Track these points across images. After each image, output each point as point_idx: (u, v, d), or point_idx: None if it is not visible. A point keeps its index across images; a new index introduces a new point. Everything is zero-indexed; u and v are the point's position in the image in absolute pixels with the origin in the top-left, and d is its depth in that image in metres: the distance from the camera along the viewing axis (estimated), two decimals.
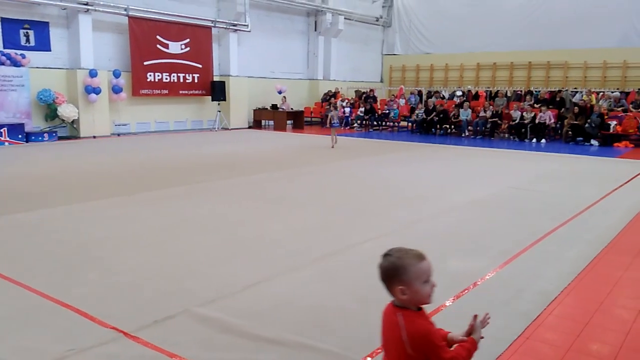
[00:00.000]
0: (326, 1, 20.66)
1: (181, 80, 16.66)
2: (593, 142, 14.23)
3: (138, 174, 9.04)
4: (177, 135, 15.72)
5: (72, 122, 14.22)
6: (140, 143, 13.67)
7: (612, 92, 16.28)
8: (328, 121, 14.18)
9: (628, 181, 8.68)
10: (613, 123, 14.28)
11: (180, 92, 16.75)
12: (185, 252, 4.79)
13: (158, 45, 15.94)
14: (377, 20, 23.46)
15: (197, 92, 17.18)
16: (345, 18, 21.36)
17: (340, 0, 21.21)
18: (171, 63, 16.32)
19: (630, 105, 15.33)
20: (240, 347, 3.03)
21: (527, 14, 19.87)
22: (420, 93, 20.10)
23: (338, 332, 3.23)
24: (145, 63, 15.67)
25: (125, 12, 14.90)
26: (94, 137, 14.51)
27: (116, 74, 14.79)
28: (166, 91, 16.33)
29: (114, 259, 4.56)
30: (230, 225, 5.75)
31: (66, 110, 13.78)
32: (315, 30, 21.06)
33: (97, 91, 14.23)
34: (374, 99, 19.89)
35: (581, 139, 14.52)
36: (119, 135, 15.25)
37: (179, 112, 17.07)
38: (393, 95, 20.84)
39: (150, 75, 15.83)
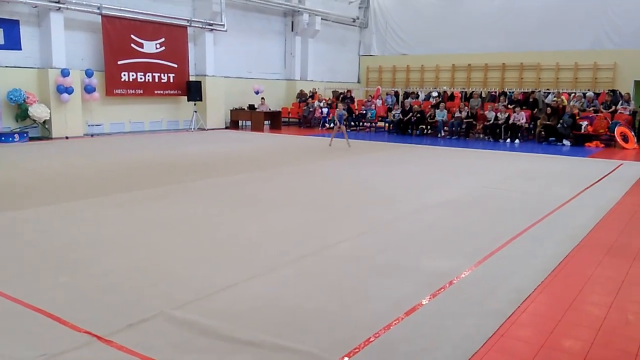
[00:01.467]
0: (303, 2, 20.66)
1: (156, 80, 16.44)
2: (565, 142, 14.54)
3: (112, 175, 8.89)
4: (153, 136, 15.51)
5: (44, 122, 13.91)
6: (115, 144, 13.46)
7: (586, 93, 16.64)
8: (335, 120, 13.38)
9: (599, 180, 8.89)
10: (584, 123, 14.61)
11: (156, 92, 16.53)
12: (160, 254, 4.73)
13: (132, 45, 15.71)
14: (353, 21, 23.56)
15: (172, 92, 16.98)
16: (322, 19, 21.39)
17: (317, 0, 21.24)
18: (146, 62, 16.09)
19: (601, 106, 15.70)
20: (217, 349, 3.00)
21: (501, 17, 20.21)
22: (397, 94, 20.24)
23: (316, 332, 3.23)
24: (119, 62, 15.43)
25: (98, 11, 14.64)
26: (67, 137, 14.22)
27: (89, 74, 14.52)
28: (141, 91, 16.10)
29: (86, 262, 4.47)
30: (207, 227, 5.70)
31: (37, 111, 13.47)
32: (292, 30, 21.04)
33: (69, 91, 13.95)
34: (352, 99, 19.97)
35: (554, 139, 14.82)
36: (92, 135, 14.97)
37: (154, 112, 16.85)
38: (370, 95, 20.95)
39: (124, 75, 15.59)
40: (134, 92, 15.93)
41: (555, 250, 4.96)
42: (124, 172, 9.21)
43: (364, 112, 18.80)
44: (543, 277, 4.24)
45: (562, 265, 4.56)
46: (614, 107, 15.45)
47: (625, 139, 13.97)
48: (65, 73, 13.82)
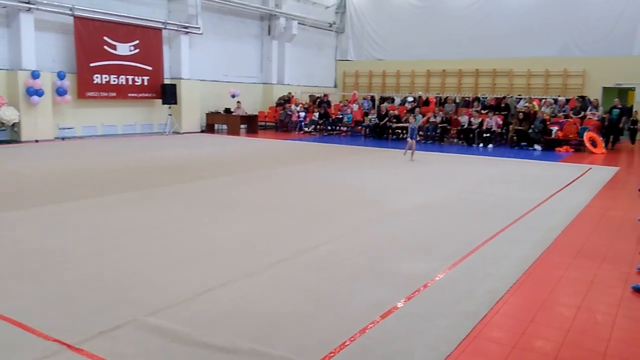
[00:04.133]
0: (280, 6, 20.67)
1: (130, 82, 16.22)
2: (536, 146, 14.84)
3: (82, 179, 8.72)
4: (126, 139, 15.29)
5: (13, 125, 13.56)
6: (86, 147, 13.22)
7: (558, 99, 17.04)
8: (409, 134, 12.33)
9: (569, 184, 9.10)
10: (555, 129, 14.95)
11: (129, 94, 16.30)
12: (133, 259, 4.66)
13: (105, 47, 15.48)
14: (330, 26, 23.66)
15: (147, 95, 16.77)
16: (298, 23, 21.43)
17: (294, 5, 21.28)
18: (119, 65, 15.87)
19: (571, 112, 16.09)
20: (191, 356, 2.97)
21: (474, 24, 20.56)
22: (373, 98, 20.38)
23: (291, 337, 3.22)
24: (92, 65, 15.17)
25: (70, 12, 14.38)
26: (36, 141, 13.90)
27: (60, 76, 14.24)
28: (114, 94, 15.86)
29: (56, 268, 4.37)
30: (181, 232, 5.63)
31: (6, 113, 13.14)
32: (269, 34, 21.03)
33: (39, 93, 13.64)
34: (328, 103, 20.03)
35: (525, 143, 15.12)
36: (63, 139, 14.67)
37: (127, 115, 16.60)
38: (346, 100, 21.05)
39: (97, 77, 15.33)
40: (107, 94, 15.68)
41: (527, 253, 5.05)
42: (95, 176, 9.04)
43: (341, 116, 18.88)
44: (515, 279, 4.32)
45: (533, 268, 4.65)
46: (583, 113, 15.85)
47: (593, 144, 14.34)
48: (35, 75, 13.52)
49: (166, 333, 3.21)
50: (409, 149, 12.14)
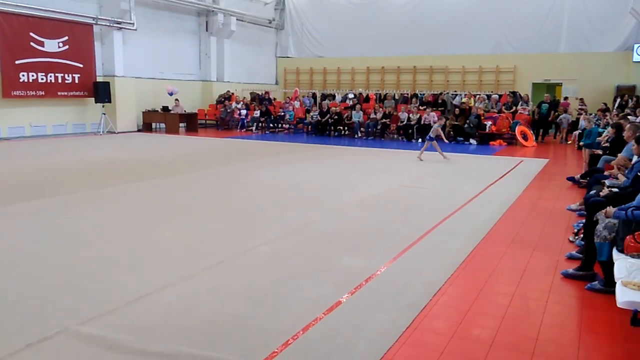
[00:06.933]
0: (217, 1, 20.30)
1: (60, 80, 15.44)
2: (472, 141, 15.37)
3: (8, 183, 8.21)
4: (56, 140, 14.55)
5: None
6: (12, 149, 12.46)
7: (491, 95, 17.71)
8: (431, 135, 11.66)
9: (502, 176, 9.48)
10: (488, 123, 15.54)
11: (59, 93, 15.52)
12: (64, 267, 4.42)
13: (32, 43, 14.66)
14: (270, 23, 23.49)
15: (78, 93, 16.02)
16: (237, 19, 21.13)
17: (232, 1, 20.95)
18: (47, 62, 15.08)
19: (503, 107, 16.79)
20: None
21: (411, 22, 21.02)
22: (314, 95, 20.43)
23: (233, 339, 3.16)
24: (17, 62, 14.33)
25: None
26: None
27: None
28: (42, 92, 15.05)
29: None
30: (116, 237, 5.40)
31: None
32: (207, 30, 20.61)
33: None
34: (270, 101, 19.90)
35: (461, 138, 15.63)
36: None
37: (58, 115, 15.80)
38: (288, 97, 21.00)
39: (23, 75, 14.50)
40: (34, 93, 14.86)
41: (463, 244, 5.21)
42: (23, 180, 8.54)
43: (283, 113, 18.81)
44: (453, 270, 4.44)
45: (469, 258, 4.80)
46: (514, 108, 16.57)
47: (525, 137, 15.03)
48: None
49: (100, 342, 3.06)
50: (433, 150, 11.36)
